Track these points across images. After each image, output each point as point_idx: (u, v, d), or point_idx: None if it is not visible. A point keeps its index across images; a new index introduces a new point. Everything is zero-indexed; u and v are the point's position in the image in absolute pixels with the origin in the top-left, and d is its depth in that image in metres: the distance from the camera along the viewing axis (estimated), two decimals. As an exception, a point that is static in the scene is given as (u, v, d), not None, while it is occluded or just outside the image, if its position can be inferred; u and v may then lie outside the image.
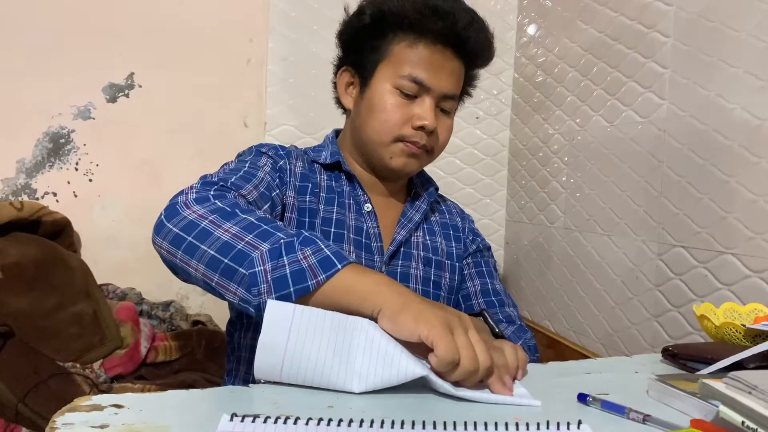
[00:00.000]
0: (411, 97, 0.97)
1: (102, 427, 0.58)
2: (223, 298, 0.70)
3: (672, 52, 1.53)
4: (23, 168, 1.86)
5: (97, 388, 1.52)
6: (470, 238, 1.17)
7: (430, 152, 1.02)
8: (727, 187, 1.35)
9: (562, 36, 2.00)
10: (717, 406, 0.59)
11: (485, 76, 2.40)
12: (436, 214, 1.15)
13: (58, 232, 1.77)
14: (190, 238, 0.70)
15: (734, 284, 1.33)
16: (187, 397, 0.69)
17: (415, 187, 1.12)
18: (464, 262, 1.13)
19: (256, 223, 0.70)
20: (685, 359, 0.85)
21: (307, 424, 0.59)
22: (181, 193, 0.77)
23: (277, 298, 0.67)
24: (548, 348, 2.04)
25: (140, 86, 1.95)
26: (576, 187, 1.92)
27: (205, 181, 0.82)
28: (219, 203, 0.73)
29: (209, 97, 2.01)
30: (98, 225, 1.92)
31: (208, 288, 0.71)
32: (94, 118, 1.91)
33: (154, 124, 1.96)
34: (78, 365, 1.54)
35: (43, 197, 1.87)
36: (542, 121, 2.11)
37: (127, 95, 1.94)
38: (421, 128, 0.96)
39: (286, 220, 0.95)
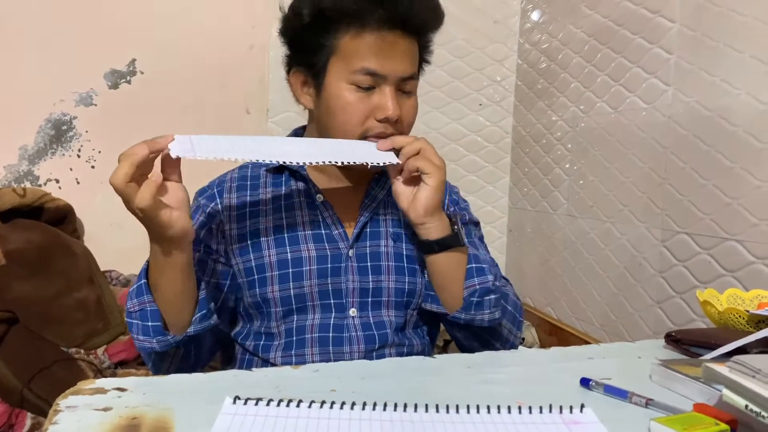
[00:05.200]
0: (368, 89, 0.93)
1: (105, 409, 0.58)
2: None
3: (677, 38, 1.51)
4: (26, 155, 1.86)
5: (101, 374, 1.53)
6: (451, 209, 1.11)
7: None
8: (731, 174, 1.35)
9: (566, 21, 1.98)
10: (720, 390, 0.59)
11: (488, 62, 2.40)
12: None
13: (61, 219, 1.78)
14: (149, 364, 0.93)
15: (738, 270, 1.33)
16: (190, 380, 0.69)
17: None
18: None
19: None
20: (688, 344, 0.85)
21: (309, 407, 0.59)
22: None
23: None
24: (551, 335, 2.04)
25: (142, 73, 1.94)
26: (579, 174, 1.91)
27: None
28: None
29: (211, 83, 2.00)
30: (101, 211, 1.92)
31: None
32: (96, 105, 1.91)
33: (155, 111, 1.96)
34: (82, 351, 1.55)
35: (45, 184, 1.87)
36: (546, 108, 2.10)
37: (129, 81, 1.94)
38: (386, 119, 0.93)
39: (229, 254, 0.99)
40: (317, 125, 1.00)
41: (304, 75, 0.99)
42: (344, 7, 0.91)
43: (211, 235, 0.99)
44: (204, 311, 0.88)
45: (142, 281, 0.87)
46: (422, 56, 1.02)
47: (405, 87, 0.95)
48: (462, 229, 0.96)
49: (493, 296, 0.95)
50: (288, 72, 1.01)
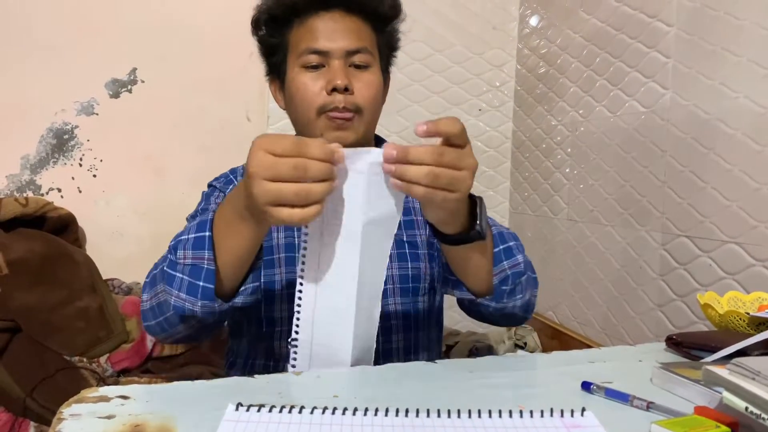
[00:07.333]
0: (318, 68, 0.98)
1: (109, 417, 0.59)
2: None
3: (675, 42, 1.52)
4: (27, 164, 1.86)
5: (104, 382, 1.53)
6: None
7: (359, 112, 0.98)
8: (730, 176, 1.35)
9: (564, 26, 1.99)
10: (720, 393, 0.59)
11: (487, 67, 2.40)
12: None
13: (63, 228, 1.78)
14: (160, 318, 0.83)
15: (738, 273, 1.33)
16: (193, 388, 0.69)
17: None
18: None
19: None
20: (689, 347, 0.85)
21: (312, 413, 0.59)
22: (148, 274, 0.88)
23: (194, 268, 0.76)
24: (552, 338, 2.04)
25: (143, 81, 1.95)
26: (579, 178, 1.92)
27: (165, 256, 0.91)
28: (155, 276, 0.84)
29: (211, 91, 2.01)
30: (103, 220, 1.93)
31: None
32: (97, 114, 1.92)
33: (156, 119, 1.97)
34: (85, 359, 1.55)
35: (47, 193, 1.88)
36: (545, 113, 2.10)
37: (129, 90, 1.95)
38: (334, 89, 0.96)
39: None
40: (291, 122, 1.06)
41: (275, 79, 1.06)
42: (281, 2, 0.99)
43: None
44: (256, 283, 0.82)
45: (207, 234, 0.76)
46: (389, 43, 1.06)
47: (356, 61, 0.98)
48: (485, 212, 0.79)
49: (524, 278, 0.86)
50: (268, 81, 1.09)
